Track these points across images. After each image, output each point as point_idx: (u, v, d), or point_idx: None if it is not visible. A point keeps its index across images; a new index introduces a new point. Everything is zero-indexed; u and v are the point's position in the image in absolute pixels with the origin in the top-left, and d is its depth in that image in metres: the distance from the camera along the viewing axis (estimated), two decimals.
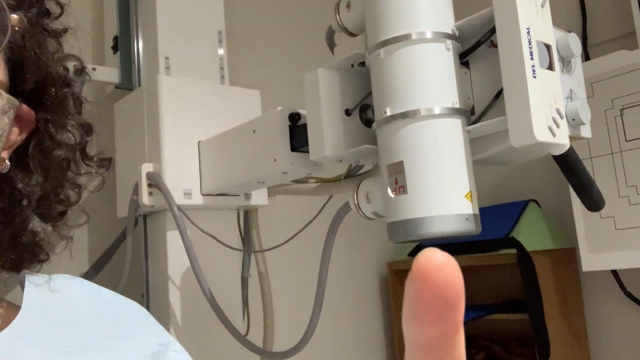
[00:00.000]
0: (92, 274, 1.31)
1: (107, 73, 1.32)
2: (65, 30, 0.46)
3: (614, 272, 1.62)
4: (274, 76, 1.77)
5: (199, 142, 1.19)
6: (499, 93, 0.73)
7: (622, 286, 1.63)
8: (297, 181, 1.14)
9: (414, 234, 0.68)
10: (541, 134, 0.63)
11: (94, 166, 0.48)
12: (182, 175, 1.16)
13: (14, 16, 0.38)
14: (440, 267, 0.20)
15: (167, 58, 1.25)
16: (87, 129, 0.48)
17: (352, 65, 0.83)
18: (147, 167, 1.16)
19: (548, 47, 0.68)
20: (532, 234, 1.62)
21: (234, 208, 1.29)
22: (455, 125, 0.70)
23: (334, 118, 0.83)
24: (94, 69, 1.26)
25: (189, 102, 1.20)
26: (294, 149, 0.98)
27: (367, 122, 0.86)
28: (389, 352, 2.03)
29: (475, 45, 0.74)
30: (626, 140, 1.40)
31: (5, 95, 0.39)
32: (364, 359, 1.95)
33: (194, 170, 1.18)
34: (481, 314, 1.79)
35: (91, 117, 0.56)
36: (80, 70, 0.49)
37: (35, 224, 0.47)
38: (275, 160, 0.98)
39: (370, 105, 0.86)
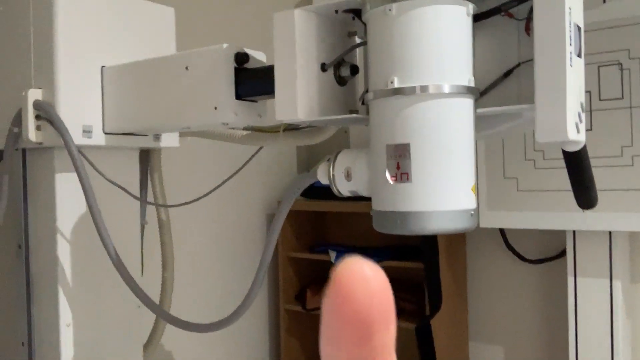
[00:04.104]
0: None
1: None
2: None
3: (501, 229, 1.71)
4: None
5: (102, 68, 0.97)
6: (509, 72, 0.65)
7: (505, 241, 1.72)
8: None
9: (415, 228, 0.59)
10: (572, 132, 0.56)
11: None
12: (81, 108, 0.95)
13: None
14: (366, 282, 0.18)
15: None
16: None
17: (337, 12, 0.69)
18: (34, 94, 0.92)
19: (579, 29, 0.60)
20: None
21: (137, 148, 1.10)
22: (468, 106, 0.61)
23: (310, 73, 0.69)
24: None
25: (90, 14, 0.96)
26: (238, 96, 0.82)
27: (341, 80, 0.74)
28: (272, 291, 1.99)
29: (490, 12, 0.64)
30: None
31: None
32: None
33: (95, 102, 0.97)
34: (374, 260, 1.80)
35: None
36: None
37: None
38: (215, 108, 0.82)
39: (345, 61, 0.74)
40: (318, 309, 1.87)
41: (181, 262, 1.29)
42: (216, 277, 1.73)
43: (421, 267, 1.64)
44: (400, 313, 1.75)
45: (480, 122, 0.64)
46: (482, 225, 1.54)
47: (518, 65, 0.65)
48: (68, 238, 1.00)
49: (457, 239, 1.78)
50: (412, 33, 0.58)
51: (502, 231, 1.72)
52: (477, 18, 0.65)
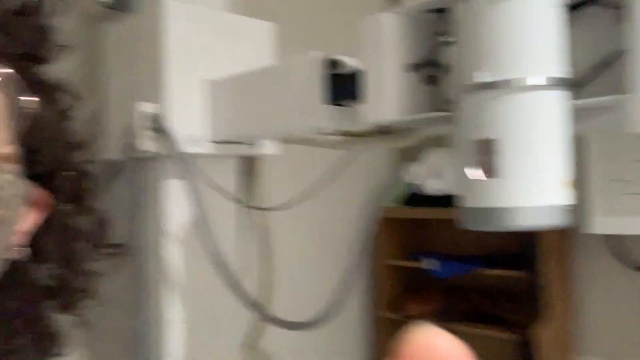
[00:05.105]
0: None
1: None
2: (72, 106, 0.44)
3: (612, 235, 1.60)
4: (291, 9, 1.59)
5: (207, 82, 1.04)
6: (608, 62, 0.63)
7: (617, 248, 1.62)
8: None
9: (504, 224, 0.59)
10: None
11: (110, 254, 0.46)
12: (187, 118, 1.02)
13: (31, 101, 0.37)
14: (437, 353, 0.16)
15: None
16: (103, 221, 0.45)
17: (424, 12, 0.70)
18: (147, 107, 1.00)
19: None
20: None
21: (239, 156, 1.16)
22: (561, 98, 0.59)
23: (397, 74, 0.71)
24: None
25: (195, 33, 1.04)
26: (329, 102, 0.85)
27: (429, 80, 0.74)
28: (369, 298, 2.00)
29: (587, 1, 0.62)
30: None
31: (20, 179, 0.37)
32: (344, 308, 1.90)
33: (200, 113, 1.04)
34: (470, 267, 1.76)
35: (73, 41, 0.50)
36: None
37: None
38: (307, 113, 0.85)
39: (434, 60, 0.74)
40: (415, 316, 1.85)
41: (281, 265, 1.33)
42: (314, 281, 1.76)
43: (523, 275, 1.58)
44: (501, 323, 1.69)
45: (576, 115, 0.62)
46: (591, 231, 1.46)
47: (617, 55, 0.62)
48: (175, 240, 1.08)
49: (564, 246, 1.69)
50: (499, 26, 0.58)
51: (613, 237, 1.62)
52: (572, 7, 0.63)
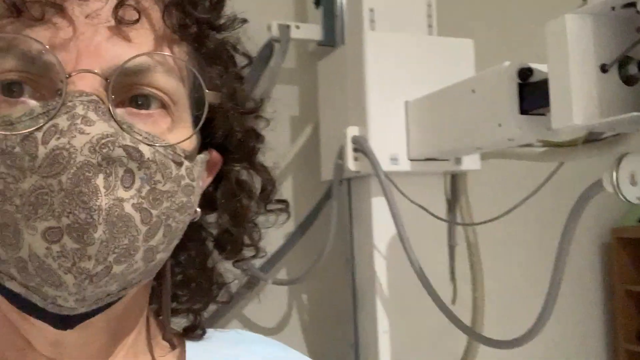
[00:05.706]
0: (298, 234, 1.31)
1: (309, 30, 1.27)
2: (249, 64, 0.44)
3: None
4: (488, 24, 1.58)
5: (405, 103, 1.09)
6: None
7: None
8: None
9: None
10: None
11: (275, 211, 0.46)
12: (388, 139, 1.08)
13: (211, 93, 0.38)
14: None
15: (371, 10, 1.15)
16: (270, 179, 0.46)
17: (613, 9, 0.65)
18: (352, 131, 1.09)
19: None
20: None
21: (441, 173, 1.18)
22: None
23: (587, 76, 0.66)
24: (297, 27, 1.22)
25: (394, 59, 1.10)
26: (523, 111, 0.83)
27: (629, 80, 0.68)
28: (609, 329, 1.79)
29: None
30: None
31: (197, 161, 0.39)
32: (580, 339, 1.74)
33: (400, 133, 1.09)
34: None
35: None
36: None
37: (213, 261, 0.46)
38: (500, 125, 0.84)
39: (633, 58, 0.68)
40: None
41: (491, 283, 1.29)
42: (532, 302, 1.65)
43: None
44: None
45: None
46: None
47: None
48: (384, 254, 1.14)
49: None
50: None
51: None
52: None
